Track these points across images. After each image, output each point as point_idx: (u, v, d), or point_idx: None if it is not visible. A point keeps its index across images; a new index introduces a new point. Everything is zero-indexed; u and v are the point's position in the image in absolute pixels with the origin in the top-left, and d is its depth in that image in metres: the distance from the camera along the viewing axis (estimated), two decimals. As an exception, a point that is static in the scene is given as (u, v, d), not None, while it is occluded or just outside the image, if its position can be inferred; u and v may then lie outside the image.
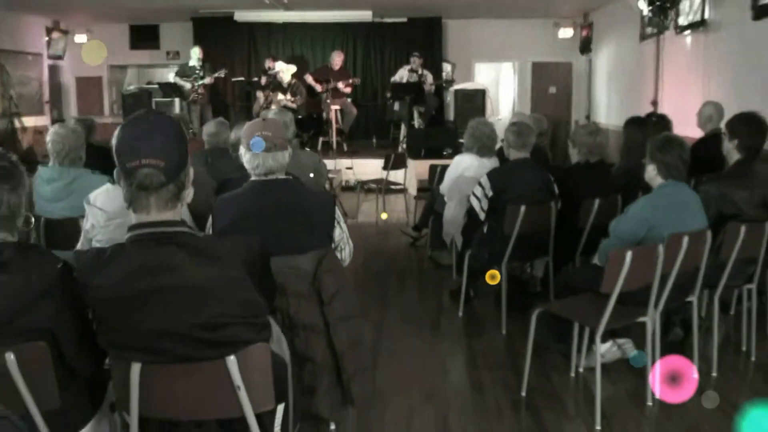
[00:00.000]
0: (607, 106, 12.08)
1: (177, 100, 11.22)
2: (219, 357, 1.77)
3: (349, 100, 11.48)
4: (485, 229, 4.55)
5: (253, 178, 2.68)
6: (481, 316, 4.92)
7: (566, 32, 13.68)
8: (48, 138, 4.10)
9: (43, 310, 1.77)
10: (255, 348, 1.83)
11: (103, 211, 3.13)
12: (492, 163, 5.28)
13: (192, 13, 12.47)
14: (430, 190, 7.11)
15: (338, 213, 2.83)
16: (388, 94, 11.76)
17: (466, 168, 5.38)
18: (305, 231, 2.64)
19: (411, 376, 3.82)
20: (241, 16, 12.30)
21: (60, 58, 12.92)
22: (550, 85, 14.31)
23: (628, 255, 3.08)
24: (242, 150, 2.67)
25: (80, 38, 13.05)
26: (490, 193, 4.41)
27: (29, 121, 11.59)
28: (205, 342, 1.78)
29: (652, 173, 3.55)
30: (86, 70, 13.27)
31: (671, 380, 3.43)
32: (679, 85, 8.13)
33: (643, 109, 8.70)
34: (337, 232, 2.78)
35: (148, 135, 1.77)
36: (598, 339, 3.24)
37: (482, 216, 4.50)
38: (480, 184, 4.49)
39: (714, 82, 7.36)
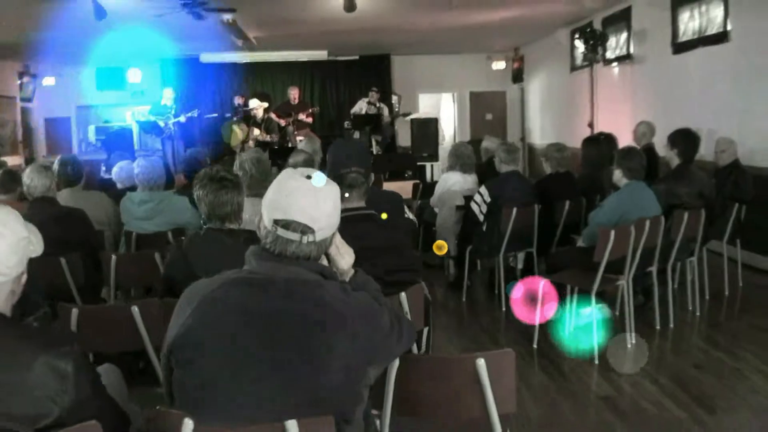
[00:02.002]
0: (541, 129, 13.56)
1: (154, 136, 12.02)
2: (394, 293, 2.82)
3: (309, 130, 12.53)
4: (484, 228, 5.69)
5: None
6: (480, 299, 6.05)
7: (499, 65, 15.23)
8: (135, 170, 5.03)
9: None
10: (416, 287, 2.89)
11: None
12: (472, 178, 6.48)
13: (159, 56, 13.32)
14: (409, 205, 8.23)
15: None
16: (347, 124, 12.86)
17: (452, 183, 6.54)
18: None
19: (447, 341, 4.92)
20: (207, 57, 13.25)
21: (29, 100, 13.50)
22: (486, 112, 15.77)
23: (612, 233, 4.27)
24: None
25: (48, 81, 13.68)
26: (488, 199, 5.56)
27: (7, 162, 12.11)
28: (387, 283, 2.82)
29: (618, 176, 4.78)
30: (54, 112, 13.92)
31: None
32: (611, 109, 9.57)
33: (580, 130, 10.12)
34: None
35: (353, 151, 2.83)
36: (593, 296, 4.41)
37: (481, 218, 5.64)
38: (480, 193, 5.64)
39: (641, 105, 8.81)
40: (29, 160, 12.89)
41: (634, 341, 4.59)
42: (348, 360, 1.71)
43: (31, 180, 4.25)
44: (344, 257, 1.91)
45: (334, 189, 1.80)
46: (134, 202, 4.97)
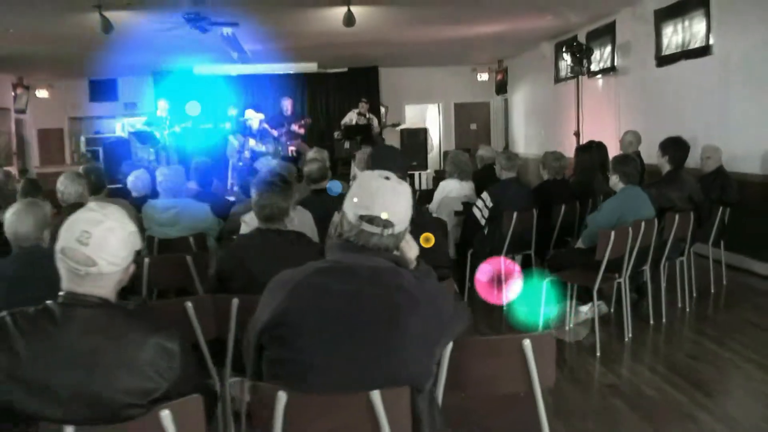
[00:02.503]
0: (526, 138, 13.96)
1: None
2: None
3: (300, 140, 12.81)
4: (486, 232, 6.01)
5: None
6: (482, 299, 6.35)
7: (483, 76, 15.68)
8: (159, 178, 5.29)
9: None
10: (448, 281, 3.19)
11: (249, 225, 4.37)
12: (469, 185, 6.81)
13: (152, 68, 13.55)
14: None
15: None
16: (337, 134, 13.17)
17: (450, 190, 6.86)
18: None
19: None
20: (200, 69, 13.48)
21: (23, 112, 13.65)
22: (471, 122, 16.20)
23: (613, 233, 4.61)
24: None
25: (41, 93, 13.85)
26: (490, 204, 5.89)
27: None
28: None
29: (615, 180, 5.13)
30: (47, 123, 14.08)
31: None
32: (596, 119, 9.96)
33: (565, 139, 10.53)
34: None
35: (393, 156, 3.13)
36: (594, 293, 4.75)
37: (483, 222, 5.97)
38: (482, 198, 5.96)
39: (625, 115, 9.22)
40: (23, 171, 13.06)
41: (631, 335, 4.93)
42: (421, 339, 2.00)
43: (65, 187, 4.50)
44: (412, 249, 2.20)
45: (408, 189, 2.10)
46: (157, 208, 5.23)
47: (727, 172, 6.14)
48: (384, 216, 2.01)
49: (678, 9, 7.69)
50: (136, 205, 5.55)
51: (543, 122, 12.70)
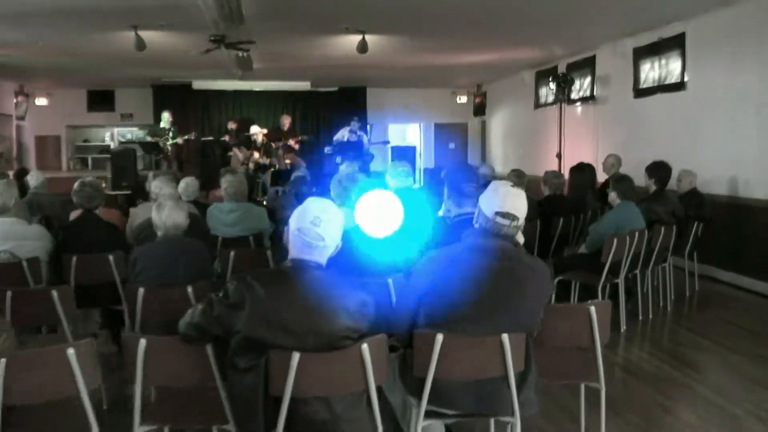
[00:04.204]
0: (504, 158, 14.97)
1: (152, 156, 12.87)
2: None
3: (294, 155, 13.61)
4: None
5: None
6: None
7: (462, 99, 16.74)
8: (224, 185, 6.04)
9: None
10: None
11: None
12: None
13: (153, 81, 14.19)
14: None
15: None
16: (327, 149, 13.99)
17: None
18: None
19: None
20: (198, 84, 14.19)
21: (23, 119, 14.12)
22: (449, 142, 17.20)
23: (615, 240, 5.56)
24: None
25: (41, 101, 14.35)
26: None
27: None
28: None
29: (613, 196, 6.08)
30: (45, 130, 14.57)
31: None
32: (575, 142, 11.00)
33: (546, 160, 11.53)
34: None
35: (467, 170, 3.98)
36: (599, 290, 5.67)
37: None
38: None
39: (603, 140, 10.26)
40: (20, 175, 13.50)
41: (625, 327, 5.87)
42: (535, 299, 2.87)
43: (160, 189, 5.24)
44: (521, 237, 3.06)
45: (524, 192, 2.97)
46: (223, 211, 5.97)
47: (702, 193, 7.16)
48: (512, 212, 2.87)
49: (656, 48, 8.77)
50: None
51: (522, 144, 13.73)
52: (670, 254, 6.59)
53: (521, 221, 2.92)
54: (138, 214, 6.02)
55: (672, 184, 7.19)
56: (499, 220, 2.87)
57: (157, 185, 5.28)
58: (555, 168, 10.21)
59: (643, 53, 9.10)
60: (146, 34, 8.71)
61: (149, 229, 4.89)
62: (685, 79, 8.26)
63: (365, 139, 13.82)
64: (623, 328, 5.85)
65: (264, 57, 10.73)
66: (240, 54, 10.18)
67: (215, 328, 2.61)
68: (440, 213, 4.54)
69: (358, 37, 9.06)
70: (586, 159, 9.41)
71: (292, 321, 2.58)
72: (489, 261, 2.84)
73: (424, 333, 2.84)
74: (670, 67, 8.52)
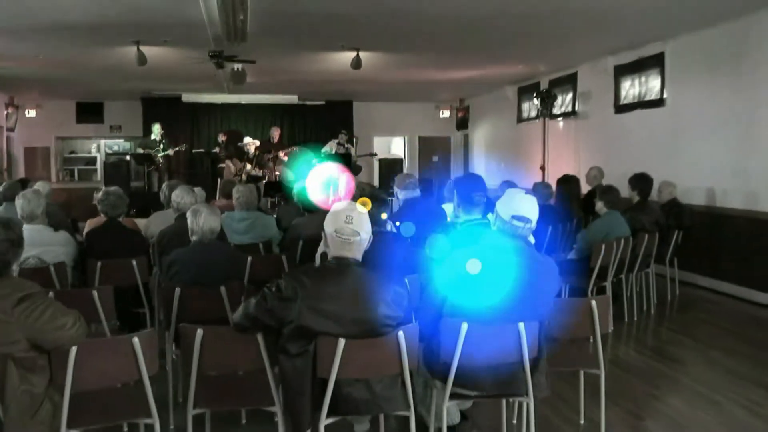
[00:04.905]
0: (486, 171, 15.38)
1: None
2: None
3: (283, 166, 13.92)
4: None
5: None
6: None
7: (445, 113, 17.19)
8: (235, 195, 6.34)
9: None
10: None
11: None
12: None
13: (142, 94, 14.43)
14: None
15: None
16: (314, 162, 14.31)
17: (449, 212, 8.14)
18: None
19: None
20: (188, 97, 14.46)
21: (12, 130, 14.27)
22: (433, 155, 17.62)
23: (603, 246, 5.96)
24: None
25: (30, 113, 14.52)
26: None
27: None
28: None
29: (600, 206, 6.50)
30: (34, 141, 14.73)
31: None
32: (557, 155, 11.44)
33: (529, 173, 11.96)
34: None
35: (477, 181, 4.35)
36: (590, 292, 6.06)
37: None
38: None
39: (584, 153, 10.73)
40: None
41: (612, 327, 6.24)
42: (547, 293, 3.24)
43: (181, 198, 5.55)
44: (532, 238, 3.43)
45: (535, 198, 3.34)
46: (235, 219, 6.27)
47: (682, 203, 7.60)
48: (526, 215, 3.24)
49: (636, 66, 9.26)
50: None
51: (504, 157, 14.17)
52: (653, 260, 7.01)
53: (533, 224, 3.29)
54: (152, 222, 6.31)
55: (653, 194, 7.64)
56: (516, 222, 3.24)
57: (178, 195, 5.59)
58: (539, 179, 10.67)
59: (624, 71, 9.59)
60: (147, 49, 8.98)
61: (170, 234, 5.22)
62: (665, 95, 8.74)
63: (353, 151, 14.20)
64: (610, 328, 6.22)
65: (258, 71, 11.03)
66: (235, 68, 10.50)
67: (268, 318, 2.94)
68: (448, 219, 4.90)
69: (352, 54, 9.43)
70: (568, 171, 9.84)
71: (338, 311, 2.92)
72: (508, 258, 3.20)
73: (451, 321, 3.18)
74: (650, 85, 9.00)
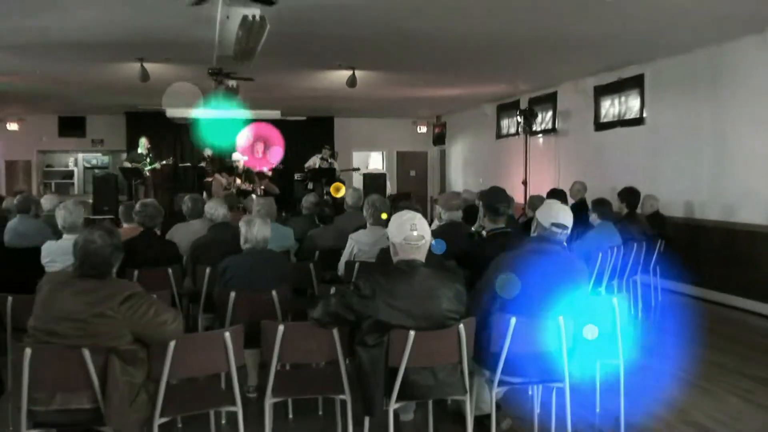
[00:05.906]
0: (464, 185, 15.88)
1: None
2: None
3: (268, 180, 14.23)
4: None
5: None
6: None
7: (422, 129, 17.72)
8: (256, 207, 6.66)
9: None
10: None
11: (361, 242, 5.76)
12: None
13: (127, 108, 14.60)
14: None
15: None
16: (297, 176, 14.67)
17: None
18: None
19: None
20: (172, 112, 14.64)
21: (-7, 144, 14.35)
22: (410, 169, 18.14)
23: (600, 253, 6.45)
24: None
25: (12, 126, 14.57)
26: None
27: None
28: None
29: (594, 217, 7.00)
30: (16, 155, 14.78)
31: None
32: (537, 171, 11.98)
33: (510, 188, 12.33)
34: None
35: (502, 193, 4.78)
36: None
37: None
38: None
39: (564, 169, 11.28)
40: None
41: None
42: (582, 290, 3.68)
43: (215, 210, 5.88)
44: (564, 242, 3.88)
45: (569, 209, 3.78)
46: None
47: (664, 215, 8.17)
48: (563, 222, 3.68)
49: (616, 86, 9.86)
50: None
51: (483, 172, 14.69)
52: (639, 268, 7.54)
53: (569, 230, 3.73)
54: (175, 234, 6.56)
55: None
56: (554, 229, 3.68)
57: (211, 207, 5.94)
58: (520, 194, 11.21)
59: (604, 91, 10.18)
60: (148, 65, 9.25)
61: (203, 247, 5.55)
62: (644, 114, 9.34)
63: (336, 165, 14.57)
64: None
65: (249, 87, 11.35)
66: (230, 84, 10.80)
67: (349, 314, 3.32)
68: (473, 228, 5.31)
69: (348, 72, 9.83)
70: (549, 185, 10.38)
71: (410, 306, 3.32)
72: (549, 260, 3.63)
73: (501, 316, 3.60)
74: (630, 104, 9.60)
